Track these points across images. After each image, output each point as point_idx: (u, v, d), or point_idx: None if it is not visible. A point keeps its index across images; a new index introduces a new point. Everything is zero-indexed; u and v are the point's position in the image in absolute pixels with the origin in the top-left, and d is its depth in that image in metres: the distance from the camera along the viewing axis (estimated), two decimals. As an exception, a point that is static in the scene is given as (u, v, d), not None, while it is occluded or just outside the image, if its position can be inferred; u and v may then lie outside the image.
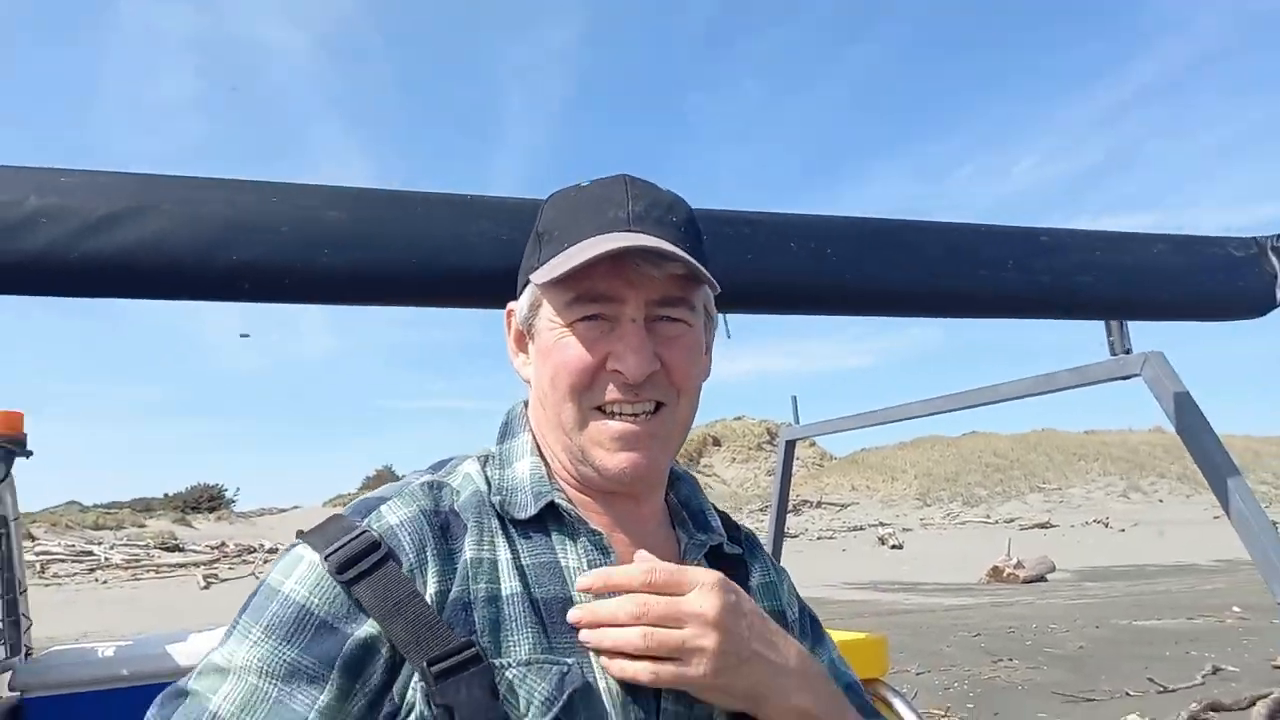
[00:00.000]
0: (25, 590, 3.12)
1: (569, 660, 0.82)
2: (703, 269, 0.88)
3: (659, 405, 0.90)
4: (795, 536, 26.94)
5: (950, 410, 2.54)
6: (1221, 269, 1.86)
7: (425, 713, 0.78)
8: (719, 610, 0.82)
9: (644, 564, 0.86)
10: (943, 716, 7.14)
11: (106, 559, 24.24)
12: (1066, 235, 1.74)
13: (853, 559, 23.54)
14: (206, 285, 1.10)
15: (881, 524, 30.74)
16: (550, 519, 0.90)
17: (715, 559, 0.98)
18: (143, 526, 29.91)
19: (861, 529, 30.44)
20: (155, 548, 26.59)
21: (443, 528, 0.86)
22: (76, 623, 13.74)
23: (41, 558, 22.75)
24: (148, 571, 23.55)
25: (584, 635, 0.84)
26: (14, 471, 2.83)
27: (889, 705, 1.58)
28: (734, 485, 40.91)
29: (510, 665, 0.80)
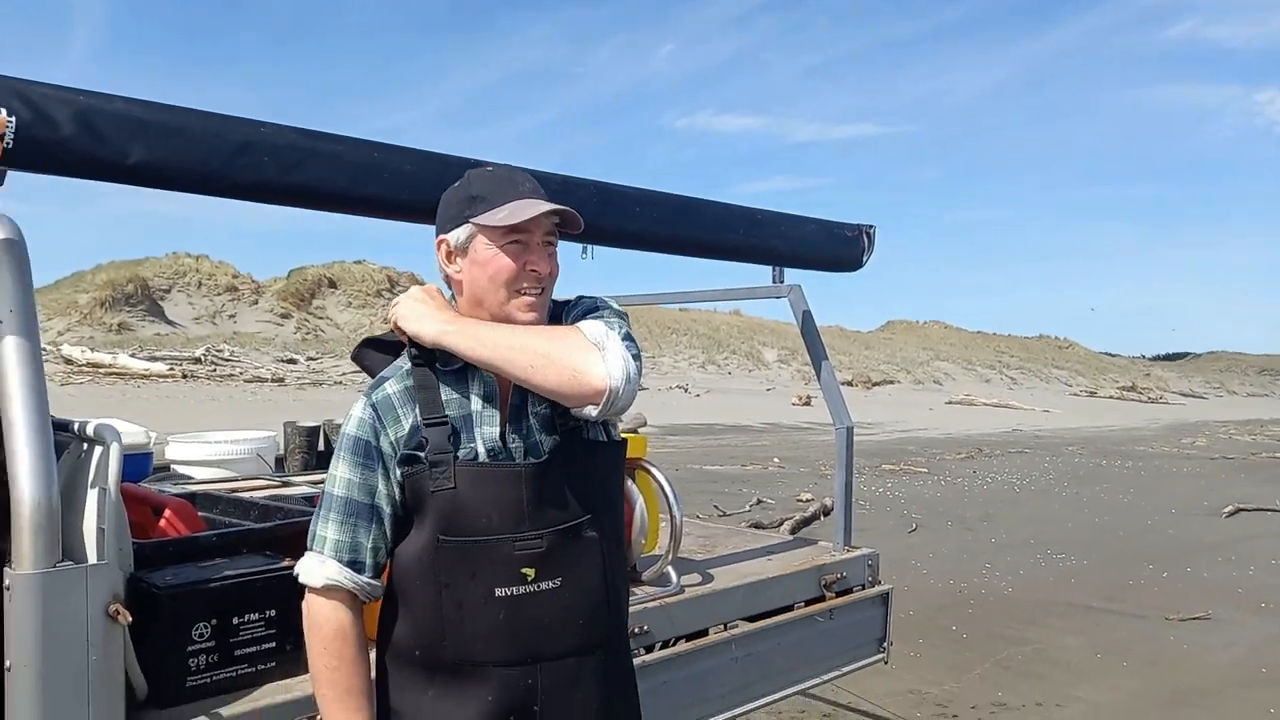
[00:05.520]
0: None
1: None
2: (573, 213, 1.57)
3: (543, 289, 1.63)
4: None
5: (658, 304, 3.67)
6: (841, 242, 3.16)
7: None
8: (402, 300, 1.56)
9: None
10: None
11: None
12: (769, 214, 2.90)
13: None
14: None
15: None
16: (469, 369, 1.56)
17: None
18: None
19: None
20: None
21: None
22: None
23: None
24: None
25: None
26: None
27: (650, 474, 2.65)
28: (347, 330, 39.87)
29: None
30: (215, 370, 26.90)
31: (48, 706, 1.45)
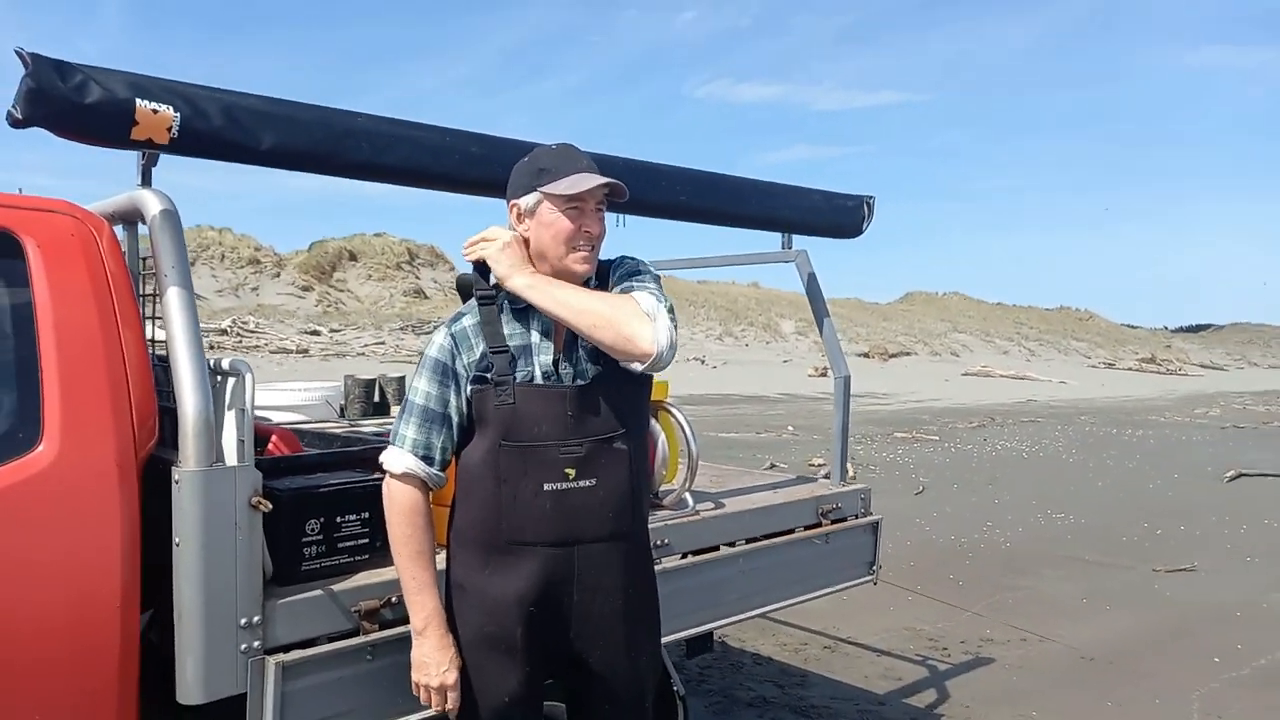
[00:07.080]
0: None
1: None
2: (621, 185, 1.94)
3: (593, 247, 1.90)
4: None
5: (680, 269, 4.04)
6: (842, 211, 3.53)
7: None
8: (497, 242, 1.88)
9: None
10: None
11: None
12: (777, 187, 3.27)
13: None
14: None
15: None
16: (531, 309, 1.98)
17: None
18: None
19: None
20: None
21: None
22: None
23: None
24: None
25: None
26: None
27: (670, 415, 3.05)
28: (368, 303, 40.13)
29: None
30: (241, 341, 27.53)
31: (208, 575, 1.86)
